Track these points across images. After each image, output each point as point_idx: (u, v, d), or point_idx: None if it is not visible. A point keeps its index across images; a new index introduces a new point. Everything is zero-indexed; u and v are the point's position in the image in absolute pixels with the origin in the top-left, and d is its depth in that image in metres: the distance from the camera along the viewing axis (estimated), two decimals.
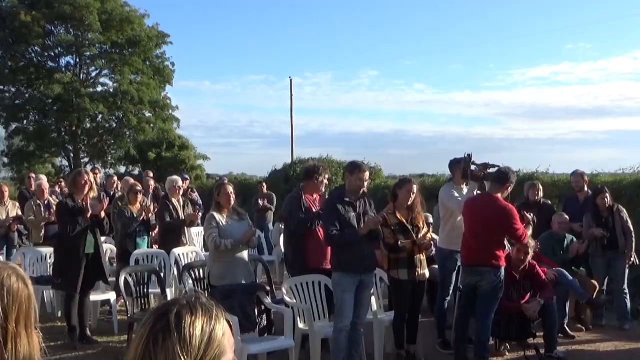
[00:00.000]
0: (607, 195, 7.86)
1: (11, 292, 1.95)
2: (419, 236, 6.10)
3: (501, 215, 5.99)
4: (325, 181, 6.59)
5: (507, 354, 6.61)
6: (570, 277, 7.31)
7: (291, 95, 31.13)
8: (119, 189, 11.09)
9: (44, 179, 10.70)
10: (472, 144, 74.22)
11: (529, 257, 6.45)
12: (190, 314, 1.42)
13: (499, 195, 6.08)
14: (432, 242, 6.52)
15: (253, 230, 6.31)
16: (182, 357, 1.36)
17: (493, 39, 70.47)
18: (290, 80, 31.65)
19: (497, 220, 5.99)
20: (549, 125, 72.67)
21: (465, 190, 6.71)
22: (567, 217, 7.92)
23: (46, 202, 9.50)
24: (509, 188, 6.18)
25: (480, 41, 68.93)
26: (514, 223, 6.01)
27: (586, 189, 8.70)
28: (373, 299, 6.13)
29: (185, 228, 8.65)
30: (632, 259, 7.81)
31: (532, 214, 6.69)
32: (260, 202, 13.52)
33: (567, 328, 7.31)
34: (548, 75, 69.19)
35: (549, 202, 9.12)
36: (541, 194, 8.68)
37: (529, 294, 6.53)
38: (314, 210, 6.39)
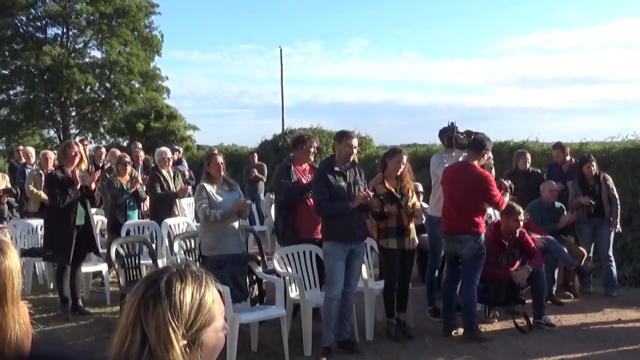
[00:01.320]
0: (594, 163, 7.93)
1: None
2: (408, 204, 6.11)
3: (477, 182, 6.07)
4: (314, 150, 6.55)
5: (497, 321, 6.70)
6: (559, 245, 7.38)
7: (281, 65, 30.99)
8: (107, 160, 11.02)
9: (31, 150, 10.64)
10: (462, 113, 74.28)
11: (520, 225, 6.50)
12: (180, 281, 1.44)
13: (476, 162, 6.17)
14: (422, 210, 6.54)
15: (243, 200, 6.28)
16: (172, 323, 1.39)
17: (484, 6, 70.13)
18: (280, 50, 31.51)
19: (474, 187, 6.07)
20: (539, 93, 72.82)
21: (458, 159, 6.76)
22: (555, 185, 7.97)
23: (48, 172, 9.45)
24: (485, 155, 6.27)
25: (472, 9, 68.58)
26: (490, 189, 6.08)
27: (569, 158, 8.81)
28: (363, 267, 6.17)
29: (177, 199, 8.64)
30: (617, 227, 7.90)
31: (509, 181, 6.68)
32: (252, 172, 13.51)
33: (555, 295, 7.42)
34: (539, 43, 69.05)
35: (538, 170, 9.17)
36: (529, 162, 8.73)
37: (518, 262, 6.60)
38: (304, 180, 6.39)
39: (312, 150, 6.52)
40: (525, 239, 6.60)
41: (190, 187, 9.34)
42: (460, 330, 6.21)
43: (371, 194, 5.71)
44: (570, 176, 8.32)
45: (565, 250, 7.45)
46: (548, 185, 7.96)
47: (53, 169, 7.41)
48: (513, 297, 6.49)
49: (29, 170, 10.02)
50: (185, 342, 1.40)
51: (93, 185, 7.05)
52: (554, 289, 7.48)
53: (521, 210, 6.50)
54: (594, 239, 7.92)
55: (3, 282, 1.88)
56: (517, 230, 6.49)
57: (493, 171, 8.12)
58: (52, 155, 9.87)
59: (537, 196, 7.90)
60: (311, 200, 6.11)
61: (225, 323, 1.51)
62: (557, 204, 7.90)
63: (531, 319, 6.44)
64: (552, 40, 72.13)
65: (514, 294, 6.48)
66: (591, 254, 7.94)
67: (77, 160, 6.99)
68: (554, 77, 68.20)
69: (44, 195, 9.14)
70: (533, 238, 6.83)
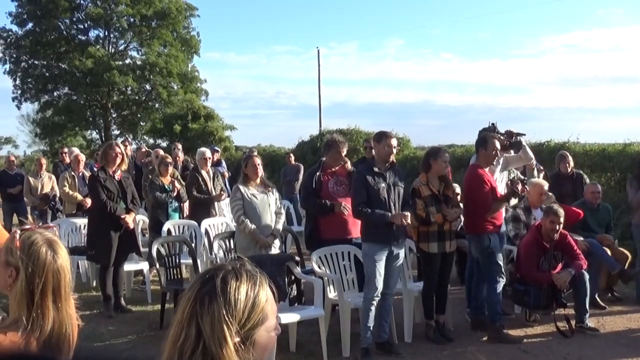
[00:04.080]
0: None
1: (37, 262, 1.95)
2: (450, 208, 6.06)
3: (468, 182, 6.26)
4: (343, 154, 6.56)
5: (537, 324, 6.59)
6: (602, 248, 7.23)
7: (318, 65, 30.90)
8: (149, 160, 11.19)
9: (77, 151, 10.88)
10: (500, 114, 73.45)
11: (555, 227, 6.38)
12: (235, 279, 1.47)
13: (478, 161, 6.30)
14: (459, 215, 6.41)
15: (270, 241, 6.27)
16: (227, 320, 1.41)
17: (521, 5, 69.08)
18: (318, 51, 31.38)
19: (467, 188, 6.27)
20: (579, 93, 71.41)
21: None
22: (599, 186, 7.82)
23: (80, 174, 9.66)
24: (483, 152, 6.26)
25: (509, 8, 67.60)
26: (476, 190, 6.12)
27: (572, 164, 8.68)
28: (402, 268, 6.15)
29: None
30: None
31: (518, 185, 6.25)
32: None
33: (598, 299, 7.26)
34: (579, 42, 67.69)
35: (581, 172, 9.00)
36: (572, 164, 8.58)
37: (560, 265, 6.49)
38: (330, 187, 6.43)
39: (340, 156, 6.53)
40: (568, 241, 6.49)
41: (226, 191, 9.41)
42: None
43: (408, 217, 5.67)
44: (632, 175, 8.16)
45: (609, 253, 7.29)
46: (591, 187, 7.81)
47: (96, 170, 7.54)
48: (554, 301, 6.38)
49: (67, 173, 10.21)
50: (238, 339, 1.42)
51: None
52: (597, 292, 7.32)
53: (561, 212, 6.36)
54: None
55: (57, 279, 1.97)
56: (556, 233, 6.37)
57: (535, 172, 8.01)
58: (83, 157, 10.08)
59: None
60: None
61: (277, 323, 1.53)
62: (603, 205, 7.73)
63: (573, 323, 6.32)
64: (593, 38, 70.69)
65: (556, 298, 6.37)
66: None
67: (118, 161, 7.12)
68: (594, 76, 66.87)
69: (79, 197, 9.35)
70: (576, 240, 6.70)
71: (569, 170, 8.50)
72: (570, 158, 8.69)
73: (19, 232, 2.04)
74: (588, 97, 76.05)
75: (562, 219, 6.32)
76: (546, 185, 7.32)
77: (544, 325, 6.53)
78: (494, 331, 6.08)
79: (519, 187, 6.15)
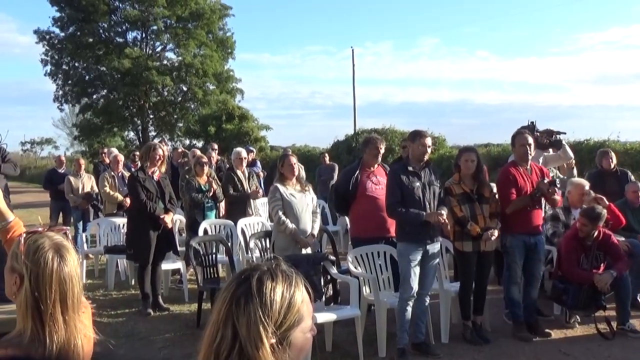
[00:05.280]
0: None
1: (43, 269, 1.79)
2: (484, 207, 6.00)
3: (497, 179, 6.30)
4: (380, 151, 6.58)
5: (577, 326, 6.47)
6: None
7: (353, 65, 30.86)
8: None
9: (115, 151, 11.07)
10: (538, 112, 72.37)
11: (599, 227, 6.26)
12: (271, 279, 1.46)
13: (512, 159, 6.35)
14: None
15: (310, 241, 6.28)
16: (263, 321, 1.40)
17: (558, 2, 67.89)
18: (352, 50, 31.34)
19: (496, 185, 6.28)
20: (619, 91, 69.85)
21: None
22: None
23: (120, 174, 9.82)
24: (514, 149, 6.31)
25: (546, 4, 66.46)
26: (499, 187, 6.19)
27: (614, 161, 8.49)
28: (439, 268, 6.10)
29: (250, 200, 8.78)
30: None
31: (553, 187, 6.10)
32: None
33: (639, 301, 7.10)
34: (619, 39, 66.20)
35: (626, 170, 8.77)
36: (614, 161, 8.38)
37: (603, 265, 6.36)
38: (369, 183, 6.45)
39: (378, 152, 6.54)
40: (611, 241, 6.35)
41: (262, 190, 9.46)
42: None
43: (444, 216, 5.62)
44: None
45: None
46: (632, 186, 7.65)
47: (134, 170, 7.66)
48: (594, 302, 6.25)
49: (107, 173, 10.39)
50: (274, 340, 1.41)
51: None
52: (639, 294, 7.14)
53: (602, 213, 6.22)
54: None
55: (63, 289, 1.81)
56: (594, 232, 6.25)
57: (575, 171, 7.85)
58: (121, 158, 10.24)
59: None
60: (363, 200, 6.33)
61: (313, 324, 1.52)
62: None
63: (614, 325, 6.19)
64: (632, 35, 69.04)
65: (596, 299, 6.24)
66: None
67: (159, 163, 7.23)
68: (635, 74, 65.31)
69: (120, 197, 9.50)
70: (617, 241, 6.56)
71: (612, 166, 8.29)
72: (613, 154, 8.48)
73: (24, 235, 1.89)
74: (628, 94, 74.38)
75: (599, 224, 6.24)
76: (587, 185, 7.17)
77: (584, 327, 6.41)
78: (515, 329, 6.12)
79: (547, 187, 6.02)
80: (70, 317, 1.80)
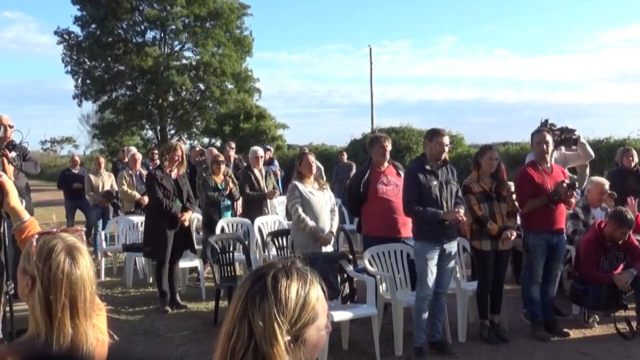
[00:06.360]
0: None
1: (54, 271, 1.76)
2: (502, 206, 5.96)
3: (515, 180, 6.30)
4: (386, 150, 6.46)
5: (596, 325, 6.40)
6: None
7: (370, 63, 30.87)
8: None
9: (134, 149, 11.15)
10: (557, 110, 71.59)
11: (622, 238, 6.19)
12: (286, 277, 1.46)
13: (530, 158, 6.38)
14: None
15: (329, 239, 6.30)
16: (278, 319, 1.41)
17: (578, 0, 67.14)
18: (370, 49, 31.33)
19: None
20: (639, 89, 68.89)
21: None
22: None
23: (138, 172, 9.89)
24: (532, 147, 6.37)
25: (565, 2, 65.82)
26: (516, 186, 6.21)
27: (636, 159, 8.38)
28: (456, 268, 6.07)
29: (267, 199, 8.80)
30: None
31: (571, 190, 6.00)
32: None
33: None
34: (639, 36, 65.31)
35: None
36: (636, 159, 8.27)
37: (621, 265, 6.29)
38: (380, 183, 6.38)
39: (384, 150, 6.44)
40: (631, 241, 6.28)
41: (279, 190, 9.46)
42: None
43: (462, 215, 5.60)
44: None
45: None
46: None
47: (152, 168, 7.71)
48: (614, 302, 6.19)
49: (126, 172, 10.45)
50: (289, 338, 1.42)
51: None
52: None
53: (632, 223, 6.15)
54: None
55: (74, 294, 1.76)
56: (623, 238, 6.19)
57: (588, 170, 7.76)
58: (139, 156, 10.31)
59: None
60: (374, 200, 6.30)
61: (328, 322, 1.52)
62: None
63: (634, 325, 6.12)
64: None
65: (616, 299, 6.18)
66: None
67: (177, 163, 7.27)
68: None
69: (137, 195, 9.57)
70: (637, 240, 6.48)
71: (633, 165, 8.19)
72: (634, 152, 8.36)
73: (36, 236, 1.85)
74: None
75: (629, 230, 6.18)
76: (607, 185, 7.09)
77: (603, 327, 6.34)
78: (533, 328, 6.09)
79: (566, 190, 5.94)
80: (81, 322, 1.77)
